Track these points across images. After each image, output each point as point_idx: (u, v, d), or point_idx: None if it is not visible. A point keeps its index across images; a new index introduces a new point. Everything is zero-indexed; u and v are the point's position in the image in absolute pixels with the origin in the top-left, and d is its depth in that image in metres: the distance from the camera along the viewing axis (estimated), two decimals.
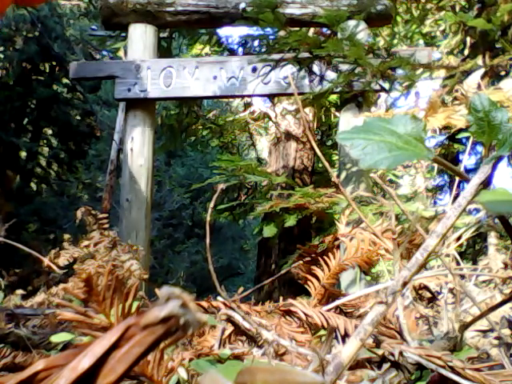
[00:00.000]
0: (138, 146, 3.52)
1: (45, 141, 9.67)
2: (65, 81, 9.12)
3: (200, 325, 0.32)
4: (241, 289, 1.28)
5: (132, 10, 3.55)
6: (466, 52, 4.54)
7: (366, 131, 0.64)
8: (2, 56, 8.71)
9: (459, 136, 4.25)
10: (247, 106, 6.03)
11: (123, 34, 4.49)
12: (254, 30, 3.41)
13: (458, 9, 4.46)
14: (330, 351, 0.80)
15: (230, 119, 6.21)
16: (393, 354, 0.80)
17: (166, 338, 0.32)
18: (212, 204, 1.07)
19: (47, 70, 9.00)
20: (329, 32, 3.57)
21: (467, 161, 6.12)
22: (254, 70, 3.46)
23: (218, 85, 3.50)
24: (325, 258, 1.31)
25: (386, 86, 3.06)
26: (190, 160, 12.70)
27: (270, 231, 3.56)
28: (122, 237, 3.15)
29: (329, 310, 1.17)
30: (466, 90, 1.75)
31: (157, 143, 5.21)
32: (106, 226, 1.80)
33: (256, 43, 4.10)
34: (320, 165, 5.78)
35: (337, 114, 5.23)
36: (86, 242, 1.75)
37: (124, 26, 3.67)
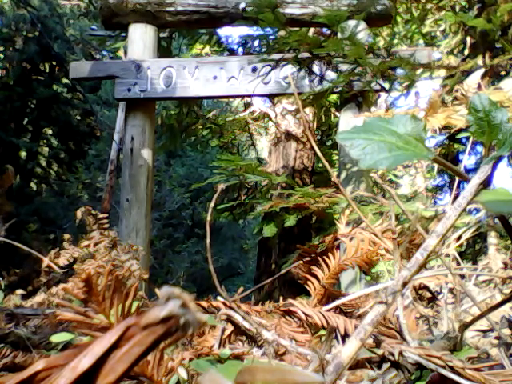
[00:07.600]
0: (137, 146, 3.52)
1: (45, 141, 9.67)
2: (65, 81, 9.13)
3: (200, 325, 0.32)
4: (241, 289, 1.28)
5: (132, 10, 3.55)
6: (466, 52, 4.54)
7: (366, 131, 0.64)
8: (2, 56, 8.71)
9: (459, 136, 4.25)
10: (247, 105, 6.03)
11: (123, 34, 4.49)
12: (254, 30, 3.41)
13: (458, 9, 4.46)
14: (329, 351, 0.80)
15: (230, 119, 6.21)
16: (393, 354, 0.80)
17: (166, 338, 0.32)
18: (212, 204, 1.07)
19: (47, 70, 9.00)
20: (329, 32, 3.57)
21: (467, 161, 6.12)
22: (254, 70, 3.46)
23: (218, 85, 3.50)
24: (325, 258, 1.31)
25: (386, 85, 3.06)
26: (190, 160, 12.71)
27: (269, 231, 3.56)
28: (121, 237, 3.16)
29: (329, 310, 1.17)
30: (466, 90, 1.75)
31: (157, 143, 5.21)
32: (106, 226, 1.80)
33: (256, 43, 4.10)
34: (320, 165, 5.78)
35: (337, 113, 5.23)
36: (85, 242, 1.75)
37: (124, 25, 3.67)
